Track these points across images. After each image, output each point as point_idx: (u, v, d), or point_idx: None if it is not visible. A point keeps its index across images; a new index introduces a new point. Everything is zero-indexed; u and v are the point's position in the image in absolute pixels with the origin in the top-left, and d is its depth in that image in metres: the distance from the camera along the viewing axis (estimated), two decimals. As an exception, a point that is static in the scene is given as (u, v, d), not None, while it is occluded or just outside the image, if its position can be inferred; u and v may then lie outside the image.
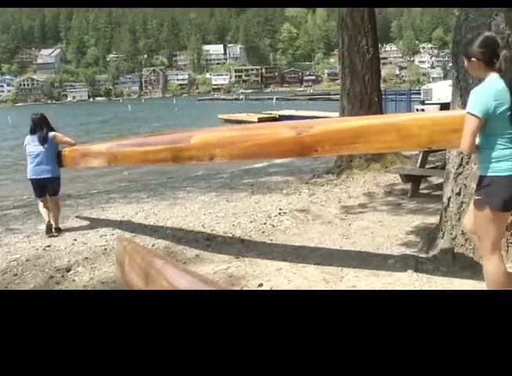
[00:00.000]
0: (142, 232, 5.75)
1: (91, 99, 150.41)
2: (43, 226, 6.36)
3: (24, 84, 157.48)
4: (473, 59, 2.68)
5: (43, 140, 5.84)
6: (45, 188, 5.97)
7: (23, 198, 9.14)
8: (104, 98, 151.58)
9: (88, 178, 12.39)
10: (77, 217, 6.80)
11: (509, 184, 2.62)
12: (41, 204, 6.08)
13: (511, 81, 2.58)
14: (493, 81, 2.61)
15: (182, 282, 2.27)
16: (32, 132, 5.95)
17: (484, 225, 2.75)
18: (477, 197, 2.77)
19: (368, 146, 3.45)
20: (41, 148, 5.84)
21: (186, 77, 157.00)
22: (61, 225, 6.19)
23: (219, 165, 10.40)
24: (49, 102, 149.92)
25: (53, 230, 5.90)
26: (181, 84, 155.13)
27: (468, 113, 2.61)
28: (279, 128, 3.91)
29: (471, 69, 2.77)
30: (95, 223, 6.35)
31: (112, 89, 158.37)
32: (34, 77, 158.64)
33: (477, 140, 2.69)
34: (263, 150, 3.88)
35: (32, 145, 5.90)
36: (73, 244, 5.51)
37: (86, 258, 4.98)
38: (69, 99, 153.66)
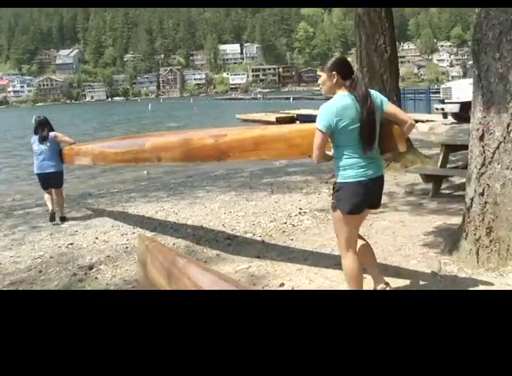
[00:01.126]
0: (163, 231, 5.79)
1: (109, 99, 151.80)
2: (65, 224, 6.48)
3: (44, 85, 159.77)
4: (333, 73, 2.94)
5: (43, 139, 6.61)
6: (50, 181, 6.70)
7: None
8: (122, 98, 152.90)
9: (108, 178, 12.51)
10: (97, 215, 6.87)
11: (355, 190, 2.91)
12: (46, 195, 6.80)
13: (364, 98, 2.85)
14: (335, 102, 2.89)
15: (204, 281, 2.28)
16: (36, 133, 6.72)
17: (337, 226, 3.09)
18: (331, 201, 3.09)
19: (266, 152, 3.78)
20: (43, 146, 6.61)
21: (203, 76, 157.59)
22: (83, 224, 6.31)
23: (238, 165, 10.43)
24: (68, 102, 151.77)
25: (57, 219, 6.62)
26: (198, 84, 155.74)
27: (316, 127, 2.91)
28: (203, 135, 4.33)
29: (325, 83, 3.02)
30: (116, 222, 6.41)
31: (130, 89, 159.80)
32: (53, 77, 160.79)
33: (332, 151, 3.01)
34: (193, 154, 4.39)
35: (36, 144, 6.67)
36: (94, 242, 5.58)
37: (108, 256, 5.03)
38: (87, 98, 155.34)
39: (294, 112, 29.48)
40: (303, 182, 8.13)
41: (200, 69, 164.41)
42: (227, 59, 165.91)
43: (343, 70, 2.92)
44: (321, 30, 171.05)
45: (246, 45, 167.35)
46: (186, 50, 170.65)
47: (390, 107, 2.99)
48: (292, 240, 5.13)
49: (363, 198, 2.94)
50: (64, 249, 5.40)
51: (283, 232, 5.42)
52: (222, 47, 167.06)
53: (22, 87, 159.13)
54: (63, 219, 6.69)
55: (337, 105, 2.87)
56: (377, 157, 3.00)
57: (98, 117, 53.49)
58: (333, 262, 4.30)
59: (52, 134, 6.69)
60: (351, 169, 2.90)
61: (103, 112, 68.23)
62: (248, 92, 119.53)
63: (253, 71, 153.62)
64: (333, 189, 3.05)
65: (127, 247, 5.26)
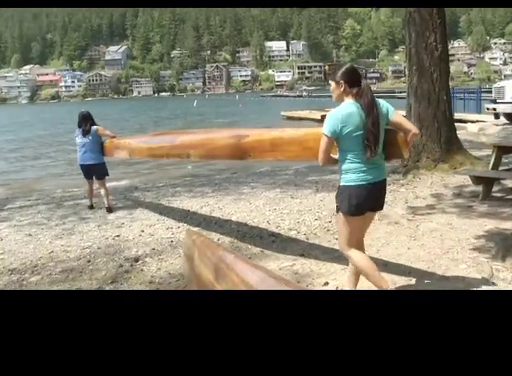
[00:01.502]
0: (207, 226, 5.85)
1: (155, 94, 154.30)
2: (112, 216, 6.65)
3: (93, 80, 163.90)
4: (341, 82, 3.09)
5: (86, 133, 6.95)
6: (91, 172, 7.09)
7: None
8: (168, 93, 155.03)
9: (153, 172, 12.73)
10: (143, 208, 7.00)
11: (355, 193, 3.05)
12: (87, 188, 7.31)
13: (369, 107, 2.99)
14: (342, 110, 3.03)
15: (253, 277, 2.26)
16: (79, 126, 7.04)
17: (340, 226, 3.27)
18: (336, 203, 3.23)
19: (282, 154, 4.00)
20: (86, 139, 6.95)
21: (249, 73, 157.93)
22: (130, 216, 6.47)
23: (284, 162, 10.40)
24: (116, 97, 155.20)
25: (102, 209, 7.08)
26: (244, 81, 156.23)
27: (322, 132, 3.05)
28: (227, 135, 4.64)
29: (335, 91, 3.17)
30: (162, 216, 6.51)
31: (176, 85, 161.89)
32: (102, 72, 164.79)
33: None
34: (217, 152, 4.70)
35: (79, 137, 7.01)
36: (140, 235, 5.68)
37: (153, 249, 5.12)
38: (134, 94, 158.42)
39: (339, 110, 29.21)
40: (348, 181, 8.02)
41: (245, 66, 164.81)
42: (273, 56, 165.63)
43: (350, 79, 3.05)
44: (368, 28, 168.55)
45: (292, 42, 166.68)
46: (232, 47, 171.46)
47: (395, 116, 3.13)
48: (337, 239, 5.07)
49: (363, 201, 3.07)
50: (111, 240, 5.53)
51: (328, 230, 5.38)
52: (268, 44, 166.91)
53: (73, 82, 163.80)
54: (109, 210, 6.97)
55: (343, 112, 3.01)
56: (380, 162, 3.13)
57: (145, 112, 54.41)
58: (380, 263, 4.24)
59: (94, 128, 7.01)
60: (352, 173, 3.05)
61: (150, 107, 69.45)
62: (293, 89, 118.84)
63: (298, 69, 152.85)
64: (337, 191, 3.21)
65: (172, 241, 5.33)
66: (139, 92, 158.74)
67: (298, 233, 5.35)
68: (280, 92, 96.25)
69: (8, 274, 4.69)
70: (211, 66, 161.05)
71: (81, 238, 5.71)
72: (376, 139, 2.99)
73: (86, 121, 7.01)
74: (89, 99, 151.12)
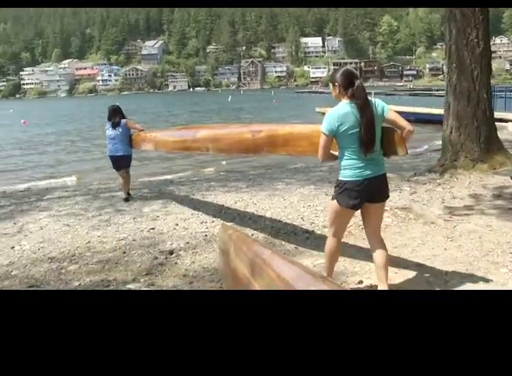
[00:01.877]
0: (241, 221, 5.86)
1: (190, 89, 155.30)
2: (147, 209, 6.74)
3: (129, 74, 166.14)
4: (336, 84, 3.32)
5: (115, 125, 7.25)
6: (120, 163, 7.41)
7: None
8: (203, 88, 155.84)
9: (188, 166, 12.85)
10: (178, 202, 7.07)
11: (350, 188, 3.27)
12: (121, 180, 7.59)
13: (362, 107, 3.18)
14: (339, 109, 3.25)
15: (289, 273, 2.25)
16: (109, 119, 7.37)
17: (331, 215, 3.53)
18: (332, 195, 3.46)
19: (293, 149, 4.23)
20: (116, 132, 7.24)
21: (284, 69, 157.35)
22: (164, 210, 6.58)
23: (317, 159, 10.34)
24: (151, 91, 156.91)
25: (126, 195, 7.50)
26: (279, 77, 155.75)
27: (321, 131, 3.29)
28: (243, 130, 4.92)
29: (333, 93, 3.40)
30: (196, 210, 6.56)
31: (211, 80, 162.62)
32: (139, 67, 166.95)
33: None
34: (233, 146, 5.00)
35: (109, 129, 7.32)
36: (174, 228, 5.74)
37: (187, 242, 5.16)
38: (170, 88, 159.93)
39: (375, 107, 28.77)
40: (383, 180, 7.92)
41: (281, 61, 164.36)
42: (308, 53, 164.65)
43: (345, 82, 3.26)
44: (405, 24, 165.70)
45: (328, 38, 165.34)
46: (268, 42, 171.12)
47: (390, 114, 3.31)
48: (371, 237, 5.02)
49: (358, 195, 3.28)
50: (146, 233, 5.60)
51: (363, 228, 5.30)
52: (304, 40, 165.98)
53: (110, 76, 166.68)
54: (128, 196, 7.47)
55: (340, 112, 3.23)
56: (377, 158, 3.31)
57: (181, 106, 54.80)
58: (415, 263, 4.18)
59: (123, 121, 7.32)
60: (349, 169, 3.27)
61: (185, 101, 69.95)
62: (329, 85, 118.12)
63: (334, 65, 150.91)
64: (335, 184, 3.45)
65: (206, 235, 5.36)
66: (175, 87, 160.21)
67: (333, 230, 5.30)
68: (315, 88, 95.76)
69: (48, 262, 4.81)
70: (246, 62, 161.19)
71: (116, 230, 5.81)
72: (371, 137, 3.19)
73: (116, 115, 7.33)
74: (125, 92, 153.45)
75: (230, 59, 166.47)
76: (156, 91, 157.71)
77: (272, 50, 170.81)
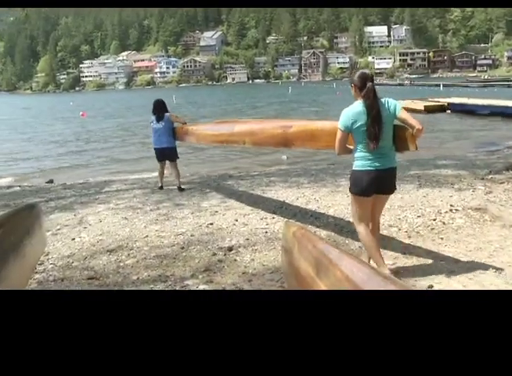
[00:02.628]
0: (303, 218, 5.83)
1: (250, 81, 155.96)
2: (206, 203, 6.82)
3: (187, 66, 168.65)
4: (352, 85, 3.88)
5: (159, 118, 7.81)
6: (164, 155, 7.97)
7: (185, 175, 9.82)
8: (263, 80, 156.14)
9: (248, 161, 12.93)
10: (237, 197, 7.11)
11: (360, 177, 3.84)
12: (159, 169, 8.17)
13: (370, 106, 3.72)
14: (354, 107, 3.82)
15: (358, 274, 2.18)
16: (153, 113, 7.93)
17: (352, 204, 4.09)
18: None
19: (320, 144, 4.74)
20: (160, 125, 7.81)
21: (347, 60, 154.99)
22: (223, 205, 6.64)
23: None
24: (210, 83, 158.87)
25: (177, 188, 7.98)
26: (341, 68, 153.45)
27: (338, 127, 3.89)
28: (275, 125, 5.54)
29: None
30: (256, 205, 6.58)
31: (271, 71, 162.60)
32: (197, 58, 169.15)
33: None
34: (267, 140, 5.62)
35: (154, 123, 7.90)
36: (234, 224, 5.78)
37: (247, 239, 5.18)
38: (228, 80, 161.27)
39: (445, 100, 27.91)
40: (455, 177, 7.67)
41: (343, 52, 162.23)
42: (373, 42, 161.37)
43: (359, 83, 3.79)
44: (481, 9, 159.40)
45: (394, 27, 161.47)
46: (330, 32, 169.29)
47: (402, 114, 3.81)
48: (442, 239, 4.87)
49: (367, 184, 3.83)
50: (205, 228, 5.67)
51: (432, 229, 5.17)
52: (368, 29, 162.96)
53: (167, 68, 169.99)
54: (181, 189, 7.93)
55: (353, 110, 3.80)
56: (387, 152, 3.83)
57: (241, 99, 55.13)
58: (492, 269, 4.01)
59: (167, 114, 7.88)
60: (360, 160, 3.84)
61: (245, 94, 70.38)
62: (394, 77, 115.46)
63: (400, 55, 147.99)
64: (350, 175, 4.03)
65: (266, 232, 5.37)
66: (233, 79, 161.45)
67: (399, 230, 5.19)
68: (380, 80, 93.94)
69: (107, 254, 4.97)
70: (308, 53, 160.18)
71: (175, 224, 5.91)
72: (376, 134, 3.70)
73: (160, 108, 7.90)
74: (183, 85, 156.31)
75: (291, 50, 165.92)
76: (214, 83, 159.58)
77: (335, 40, 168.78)
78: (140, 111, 38.80)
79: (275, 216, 5.97)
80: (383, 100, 3.81)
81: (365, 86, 3.76)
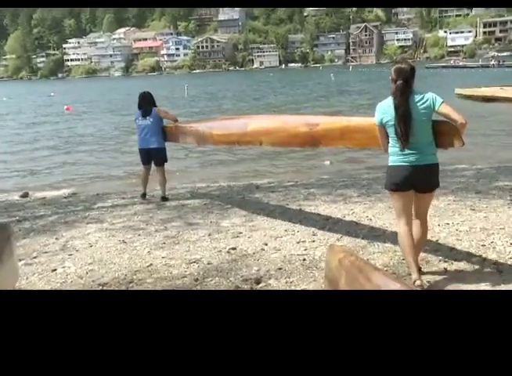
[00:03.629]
0: (352, 242, 5.85)
1: (282, 66, 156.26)
2: (226, 222, 6.89)
3: (202, 47, 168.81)
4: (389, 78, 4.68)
5: (146, 113, 8.36)
6: (151, 157, 8.53)
7: (202, 186, 9.89)
8: (299, 64, 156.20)
9: (280, 167, 12.98)
10: (267, 214, 7.16)
11: (393, 172, 4.66)
12: (142, 174, 8.84)
13: (397, 105, 4.48)
14: (386, 101, 4.65)
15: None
16: (139, 108, 8.53)
17: (391, 202, 5.06)
18: None
19: (350, 142, 5.74)
20: (147, 121, 8.37)
21: (410, 36, 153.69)
22: (249, 224, 6.70)
23: (460, 159, 10.08)
24: (232, 68, 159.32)
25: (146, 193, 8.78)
26: (402, 46, 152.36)
27: None
28: (299, 123, 6.19)
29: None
30: (291, 225, 6.63)
31: (309, 53, 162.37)
32: (214, 37, 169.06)
33: None
34: (290, 140, 6.36)
35: (139, 119, 8.47)
36: (263, 248, 5.83)
37: (280, 268, 5.22)
38: (255, 65, 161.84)
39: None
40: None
41: (405, 26, 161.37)
42: (445, 11, 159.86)
43: (393, 78, 4.58)
44: None
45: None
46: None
47: (442, 108, 4.47)
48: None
49: (400, 180, 4.60)
50: (225, 254, 5.73)
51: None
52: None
53: (177, 49, 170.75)
54: (165, 199, 8.50)
55: (385, 105, 4.64)
56: (422, 148, 4.53)
57: (271, 90, 55.19)
58: None
59: (155, 109, 8.46)
60: (393, 156, 4.65)
61: (278, 82, 70.49)
62: (475, 56, 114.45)
63: (485, 26, 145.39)
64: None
65: (304, 259, 5.40)
66: (261, 63, 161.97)
67: (484, 260, 5.16)
68: (455, 61, 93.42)
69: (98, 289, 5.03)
70: (358, 28, 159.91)
71: (186, 249, 5.98)
72: (403, 133, 4.45)
73: (147, 102, 8.48)
74: (197, 71, 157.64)
75: (335, 24, 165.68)
76: (237, 68, 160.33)
77: (393, 10, 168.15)
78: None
79: (315, 239, 6.00)
80: (418, 95, 4.52)
81: (396, 82, 4.53)
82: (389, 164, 4.71)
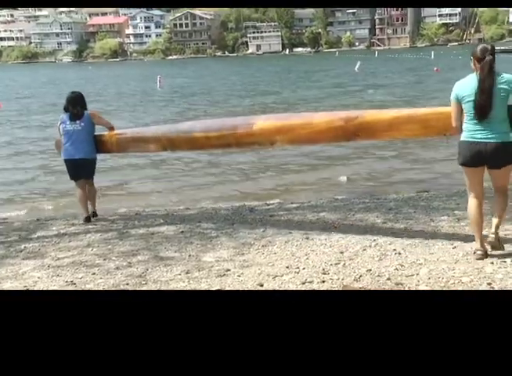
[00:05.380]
0: (375, 283, 5.83)
1: (285, 51, 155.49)
2: (210, 256, 6.93)
3: (181, 25, 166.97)
4: (471, 57, 6.17)
5: (76, 117, 8.91)
6: (79, 170, 9.04)
7: (179, 209, 9.92)
8: (308, 49, 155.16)
9: (278, 183, 13.03)
10: (262, 246, 7.18)
11: (464, 147, 6.19)
12: (78, 193, 9.26)
13: (482, 79, 5.93)
14: (465, 79, 6.19)
15: None
16: (66, 110, 9.03)
17: (464, 175, 6.44)
18: None
19: (398, 133, 7.32)
20: (76, 126, 8.92)
21: (458, 10, 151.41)
22: (240, 258, 6.79)
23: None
24: (219, 54, 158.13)
25: (90, 215, 9.32)
26: (445, 24, 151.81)
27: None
28: (331, 117, 7.60)
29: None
30: (294, 259, 6.69)
31: (322, 34, 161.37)
32: (197, 12, 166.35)
33: None
34: (318, 136, 7.73)
35: (66, 123, 8.95)
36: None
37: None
38: (250, 50, 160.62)
39: None
40: None
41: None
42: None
43: (476, 57, 6.00)
44: None
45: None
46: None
47: None
48: None
49: (470, 155, 6.12)
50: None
51: None
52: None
53: (147, 28, 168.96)
54: (94, 215, 9.32)
55: (464, 81, 6.18)
56: (495, 126, 5.99)
57: (277, 82, 55.00)
58: None
59: (87, 112, 9.05)
60: (465, 131, 6.16)
61: (282, 73, 69.80)
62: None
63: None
64: None
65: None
66: (259, 47, 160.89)
67: None
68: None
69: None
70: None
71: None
72: (483, 106, 5.91)
73: (76, 104, 9.00)
74: (174, 57, 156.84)
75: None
76: (227, 54, 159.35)
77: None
78: (104, 100, 39.20)
79: (326, 278, 6.01)
80: (499, 75, 5.98)
81: (483, 59, 5.92)
82: (461, 139, 6.21)
